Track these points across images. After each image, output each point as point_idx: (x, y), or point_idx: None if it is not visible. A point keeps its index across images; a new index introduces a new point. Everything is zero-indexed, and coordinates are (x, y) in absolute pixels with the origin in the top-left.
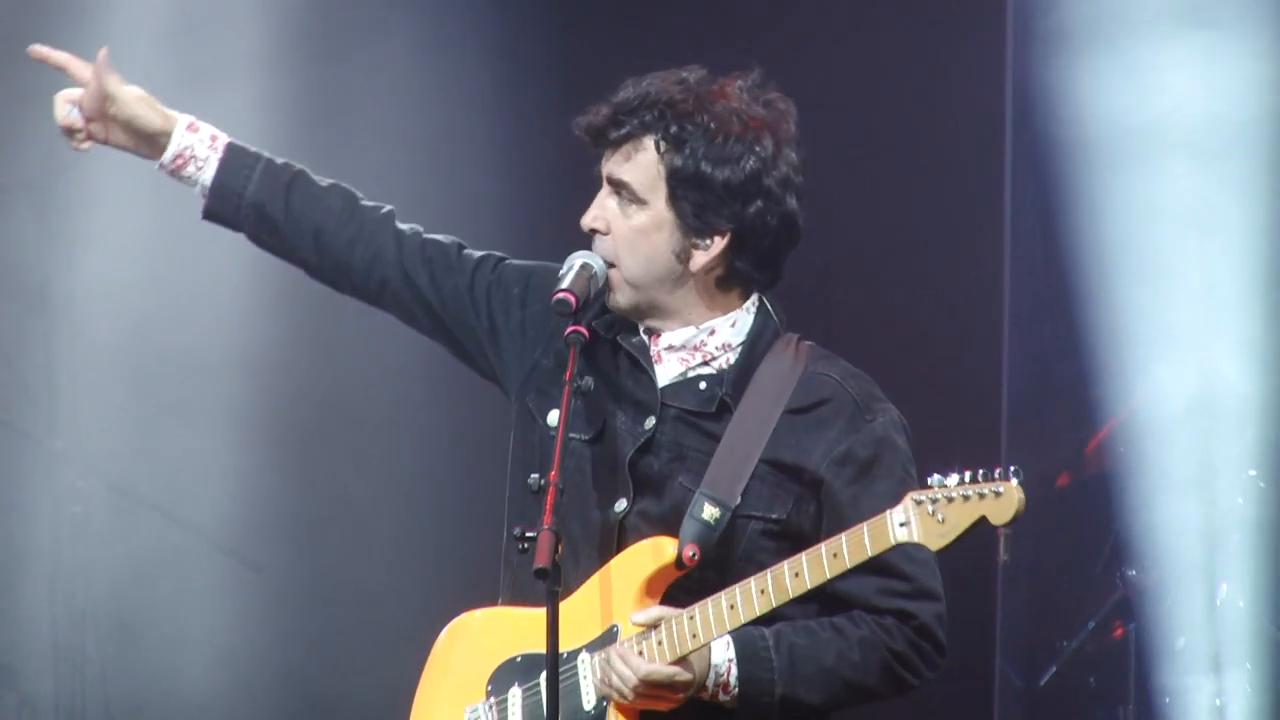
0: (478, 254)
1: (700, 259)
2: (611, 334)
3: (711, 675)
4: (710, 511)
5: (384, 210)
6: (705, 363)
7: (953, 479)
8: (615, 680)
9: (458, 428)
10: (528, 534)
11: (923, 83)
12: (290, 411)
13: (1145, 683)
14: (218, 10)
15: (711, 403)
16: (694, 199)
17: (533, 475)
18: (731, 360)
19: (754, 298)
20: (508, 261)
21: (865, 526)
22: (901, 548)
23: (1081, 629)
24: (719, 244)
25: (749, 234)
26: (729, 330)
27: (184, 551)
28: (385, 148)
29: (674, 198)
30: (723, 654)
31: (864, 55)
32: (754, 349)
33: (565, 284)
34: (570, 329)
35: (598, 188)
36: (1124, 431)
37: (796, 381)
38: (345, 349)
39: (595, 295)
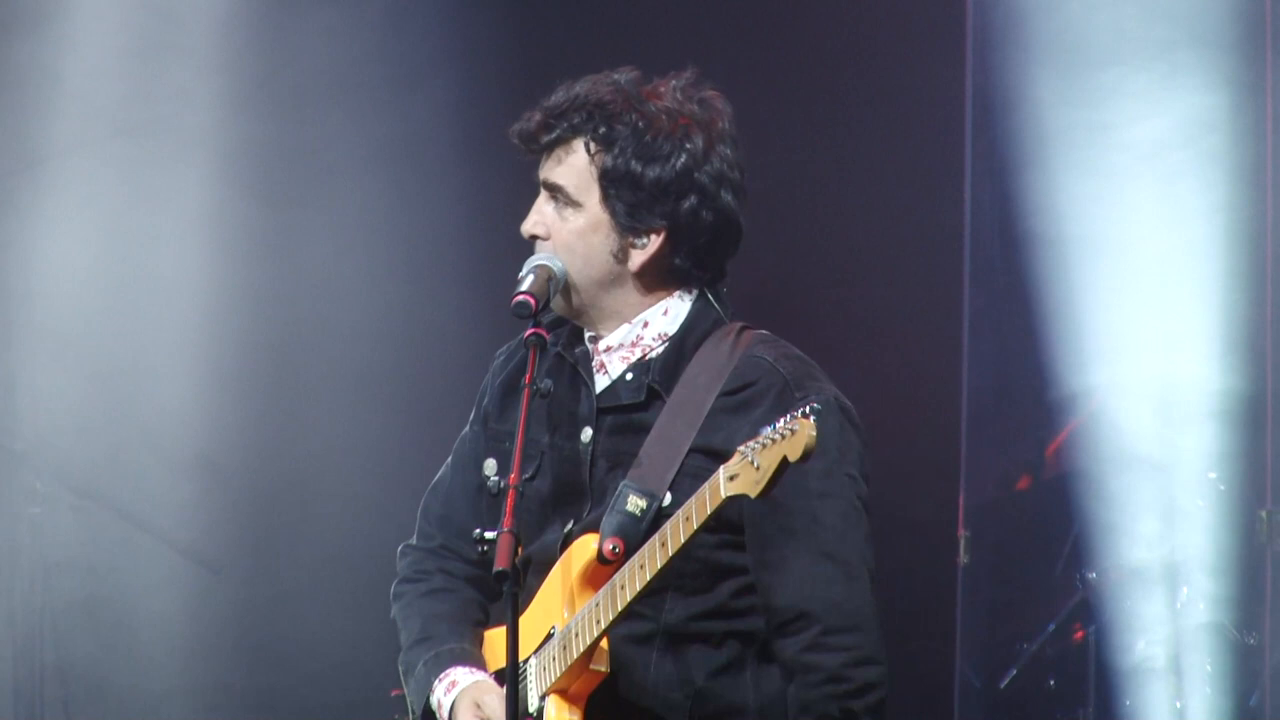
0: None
1: (638, 258)
2: (557, 347)
3: None
4: (635, 503)
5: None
6: (643, 357)
7: (767, 429)
8: None
9: (420, 431)
10: (486, 535)
11: (881, 86)
12: (250, 414)
13: (1105, 685)
14: (175, 11)
15: (640, 391)
16: (626, 198)
17: (493, 478)
18: (663, 349)
19: (690, 289)
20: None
21: (705, 485)
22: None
23: (1041, 631)
24: (655, 242)
25: (684, 231)
26: (662, 319)
27: (143, 553)
28: (344, 154)
29: (607, 197)
30: None
31: (823, 58)
32: (686, 337)
33: (524, 286)
34: (530, 331)
35: (537, 193)
36: (1084, 434)
37: (733, 365)
38: (308, 352)
39: (554, 297)
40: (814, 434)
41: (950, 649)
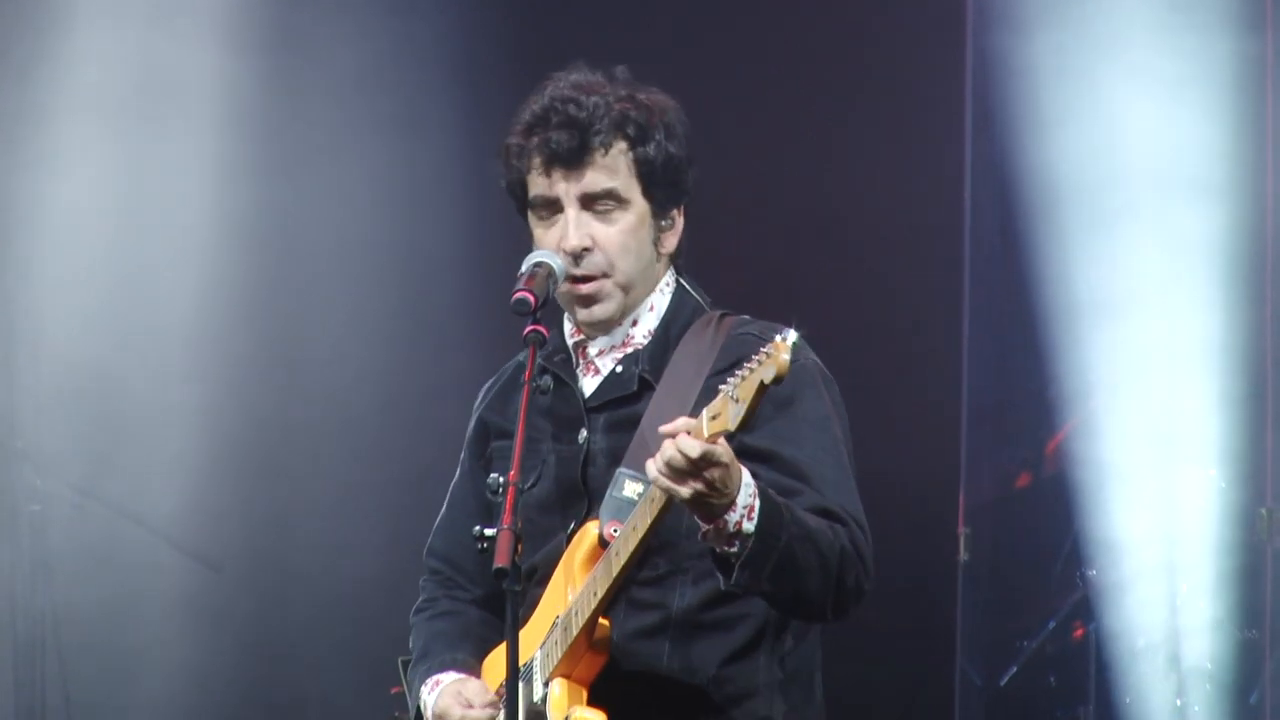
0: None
1: (670, 240)
2: (538, 359)
3: (744, 493)
4: (633, 488)
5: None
6: (633, 351)
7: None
8: (669, 465)
9: (420, 428)
10: (486, 532)
11: (882, 86)
12: (250, 411)
13: (1105, 682)
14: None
15: (631, 382)
16: (667, 181)
17: (492, 475)
18: (649, 340)
19: (668, 278)
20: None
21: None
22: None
23: (1042, 629)
24: (678, 220)
25: (690, 201)
26: (650, 316)
27: (143, 551)
28: (342, 152)
29: (651, 188)
30: (749, 479)
31: (823, 58)
32: (670, 326)
33: (523, 283)
34: (529, 328)
35: (548, 211)
36: (1084, 432)
37: (720, 347)
38: (307, 349)
39: (553, 294)
40: (786, 358)
41: (951, 646)
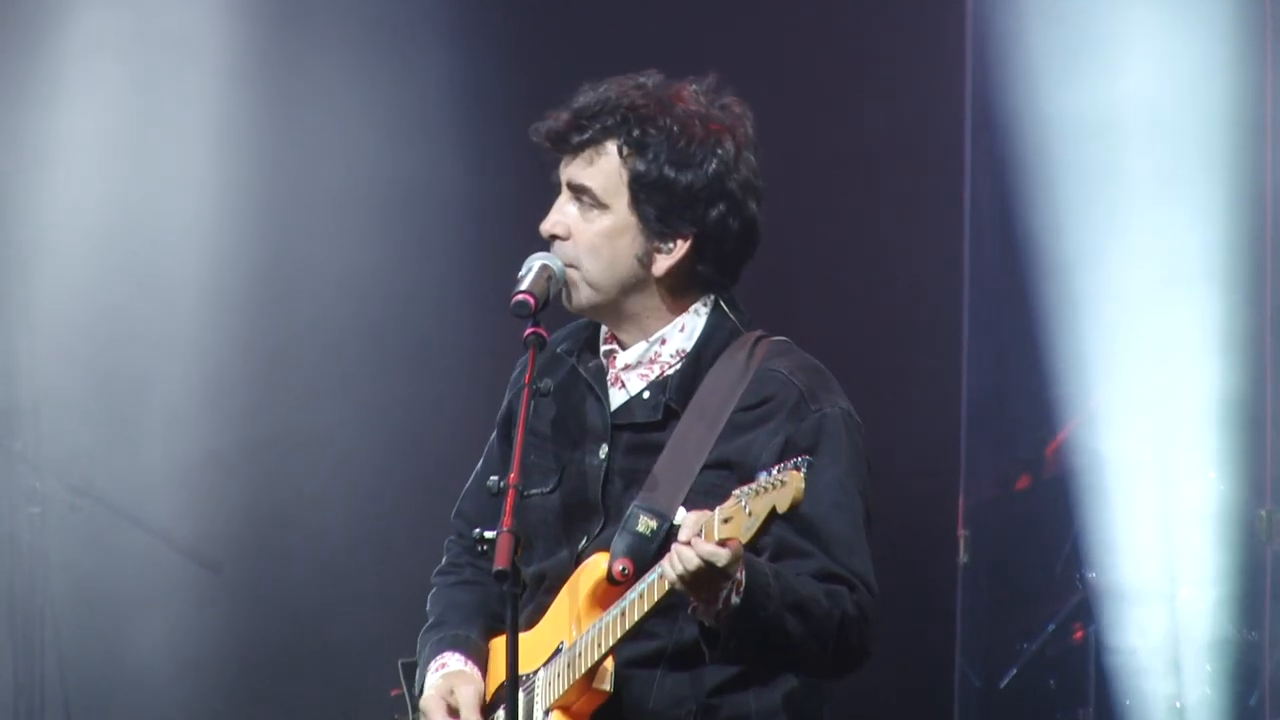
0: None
1: (663, 263)
2: (572, 358)
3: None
4: (647, 523)
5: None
6: (660, 375)
7: (763, 474)
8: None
9: (419, 428)
10: (486, 534)
11: (881, 86)
12: (248, 412)
13: (1105, 685)
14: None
15: (657, 411)
16: (657, 202)
17: (492, 478)
18: (680, 365)
19: (706, 299)
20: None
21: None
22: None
23: (1041, 631)
24: (681, 248)
25: (711, 238)
26: (680, 336)
27: (142, 552)
28: (345, 150)
29: (636, 202)
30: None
31: (823, 58)
32: (703, 352)
33: (524, 285)
34: (529, 330)
35: (556, 192)
36: (1083, 434)
37: (749, 380)
38: (303, 349)
39: (554, 297)
40: (802, 487)
41: (950, 648)
